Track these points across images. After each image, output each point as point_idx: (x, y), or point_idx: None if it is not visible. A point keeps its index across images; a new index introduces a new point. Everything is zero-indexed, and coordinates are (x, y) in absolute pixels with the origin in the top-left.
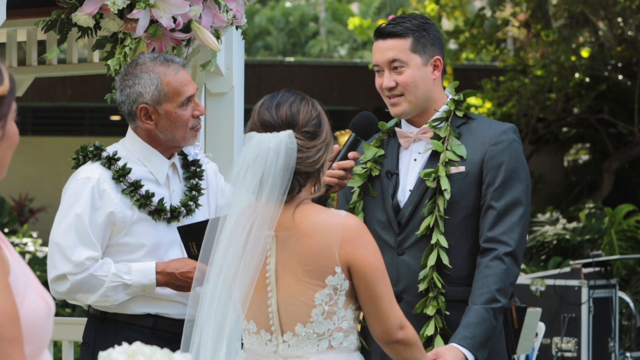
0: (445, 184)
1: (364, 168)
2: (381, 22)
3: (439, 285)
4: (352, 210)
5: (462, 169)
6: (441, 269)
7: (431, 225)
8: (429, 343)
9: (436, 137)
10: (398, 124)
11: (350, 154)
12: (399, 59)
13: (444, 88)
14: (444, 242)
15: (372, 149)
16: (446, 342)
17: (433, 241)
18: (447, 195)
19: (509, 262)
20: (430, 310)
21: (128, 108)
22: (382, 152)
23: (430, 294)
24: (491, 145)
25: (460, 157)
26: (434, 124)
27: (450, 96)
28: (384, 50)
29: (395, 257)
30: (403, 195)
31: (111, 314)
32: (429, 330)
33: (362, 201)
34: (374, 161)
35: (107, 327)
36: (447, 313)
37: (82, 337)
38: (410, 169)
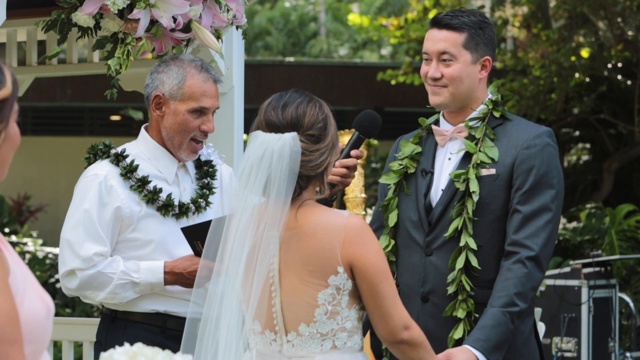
0: (474, 186)
1: (400, 165)
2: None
3: (468, 288)
4: (386, 207)
5: (492, 171)
6: (470, 272)
7: (459, 228)
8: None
9: (470, 137)
10: (437, 122)
11: (353, 152)
12: (449, 52)
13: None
14: (472, 244)
15: (409, 145)
16: None
17: (462, 243)
18: (476, 198)
19: (530, 267)
20: (460, 313)
21: (148, 92)
22: (419, 149)
23: (460, 297)
24: (523, 148)
25: (492, 159)
26: (470, 123)
27: (490, 96)
28: (437, 40)
29: (423, 257)
30: (436, 194)
31: (121, 312)
32: (458, 333)
33: (397, 198)
34: (410, 158)
35: (117, 326)
36: (477, 315)
37: (96, 335)
38: (445, 168)
